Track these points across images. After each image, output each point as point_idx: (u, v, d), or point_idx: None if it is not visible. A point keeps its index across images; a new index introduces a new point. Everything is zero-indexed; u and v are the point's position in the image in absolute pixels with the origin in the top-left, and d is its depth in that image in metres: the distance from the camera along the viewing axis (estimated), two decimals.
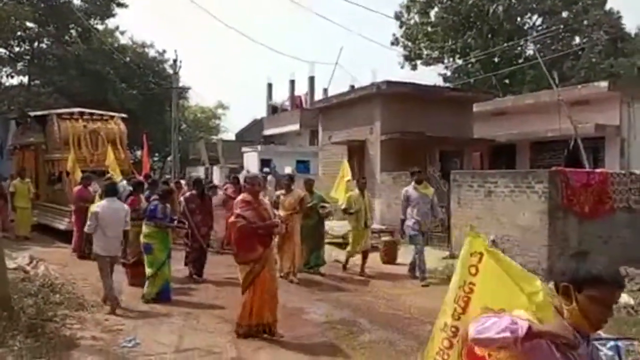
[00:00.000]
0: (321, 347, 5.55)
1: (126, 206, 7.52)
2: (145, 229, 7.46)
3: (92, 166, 13.31)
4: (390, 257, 10.47)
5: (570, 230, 8.98)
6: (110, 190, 7.39)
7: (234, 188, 11.66)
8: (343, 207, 9.64)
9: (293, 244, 8.79)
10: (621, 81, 19.46)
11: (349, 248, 9.77)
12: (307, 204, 9.14)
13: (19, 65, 30.48)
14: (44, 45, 30.26)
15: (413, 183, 9.06)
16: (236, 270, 6.04)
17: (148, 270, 7.34)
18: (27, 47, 29.95)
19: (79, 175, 12.11)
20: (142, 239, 7.48)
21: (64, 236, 12.46)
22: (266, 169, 23.58)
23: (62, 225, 12.93)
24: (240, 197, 5.97)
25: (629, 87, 16.23)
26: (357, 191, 9.61)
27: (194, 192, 9.32)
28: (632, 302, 7.08)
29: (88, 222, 6.94)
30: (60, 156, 13.72)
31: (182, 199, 9.66)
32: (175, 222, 8.05)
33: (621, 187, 9.62)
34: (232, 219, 5.89)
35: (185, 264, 9.18)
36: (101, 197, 9.82)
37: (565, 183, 8.96)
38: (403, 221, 8.95)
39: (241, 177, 19.22)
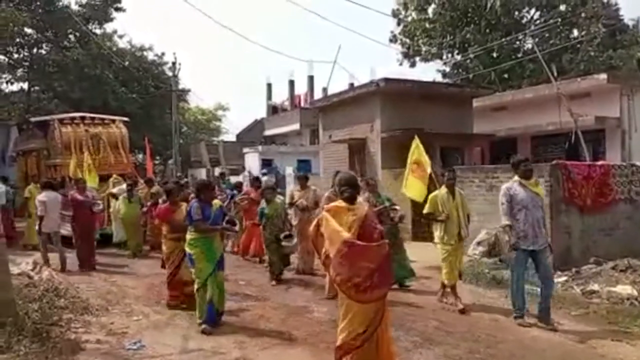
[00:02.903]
0: (326, 346, 5.55)
1: (59, 195, 10.34)
2: (187, 235, 6.35)
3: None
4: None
5: (573, 223, 8.99)
6: (48, 185, 10.28)
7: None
8: (425, 211, 7.21)
9: None
10: (620, 73, 19.45)
11: (443, 274, 7.16)
12: (375, 207, 7.46)
13: (19, 72, 30.52)
14: (43, 51, 30.26)
15: (517, 178, 6.42)
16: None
17: (195, 285, 6.23)
18: (26, 54, 29.98)
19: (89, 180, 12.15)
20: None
21: (67, 241, 12.50)
22: (263, 170, 23.26)
23: (65, 230, 12.94)
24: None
25: (629, 79, 16.25)
26: (444, 190, 7.16)
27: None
28: (635, 293, 7.09)
29: (39, 208, 9.78)
30: (62, 161, 13.76)
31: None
32: (224, 222, 6.44)
33: (622, 179, 9.64)
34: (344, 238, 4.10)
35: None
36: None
37: (566, 176, 8.97)
38: (511, 228, 6.28)
39: (241, 177, 19.04)
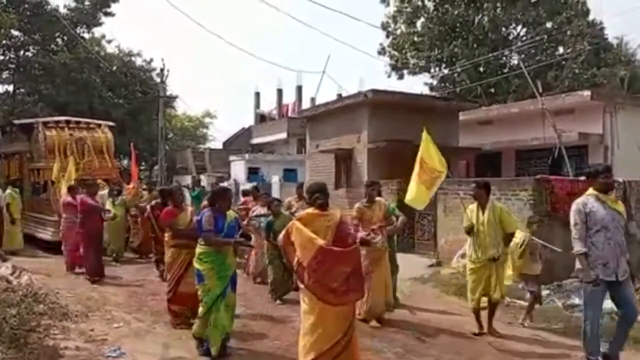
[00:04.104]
0: None
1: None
2: (197, 249, 5.57)
3: (78, 175, 13.18)
4: None
5: (556, 237, 9.03)
6: None
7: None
8: (464, 225, 6.45)
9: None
10: (604, 91, 19.77)
11: (468, 295, 6.46)
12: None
13: (4, 74, 30.25)
14: (29, 54, 30.03)
15: (592, 191, 5.23)
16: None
17: (200, 308, 5.48)
18: (13, 56, 29.72)
19: (63, 184, 12.00)
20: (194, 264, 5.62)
21: (49, 246, 12.35)
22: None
23: (46, 235, 12.79)
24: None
25: (612, 97, 16.52)
26: (474, 205, 6.39)
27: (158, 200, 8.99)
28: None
29: None
30: (45, 165, 13.60)
31: (148, 207, 9.55)
32: (238, 235, 5.72)
33: None
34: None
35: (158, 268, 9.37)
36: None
37: (549, 190, 9.07)
38: (587, 256, 5.19)
39: (226, 185, 18.88)
